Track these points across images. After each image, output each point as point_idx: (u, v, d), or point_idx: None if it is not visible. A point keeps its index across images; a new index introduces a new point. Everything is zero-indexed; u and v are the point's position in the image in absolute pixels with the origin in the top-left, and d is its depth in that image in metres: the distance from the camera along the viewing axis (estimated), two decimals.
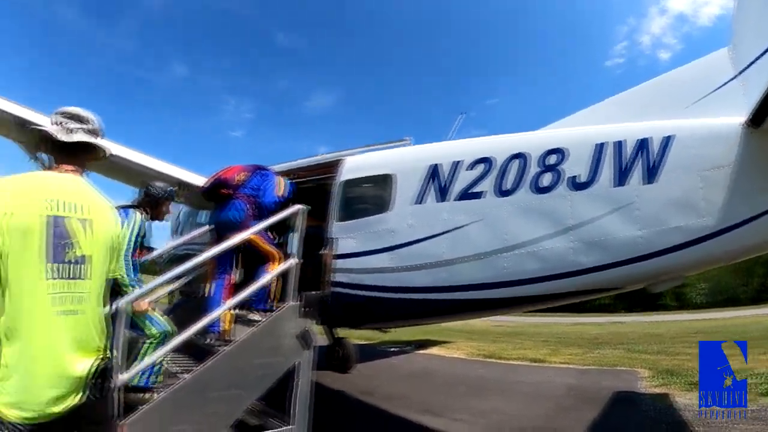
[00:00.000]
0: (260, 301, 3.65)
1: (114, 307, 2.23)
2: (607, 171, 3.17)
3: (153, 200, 3.26)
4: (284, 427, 3.32)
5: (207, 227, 4.33)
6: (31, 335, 1.44)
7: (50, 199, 1.53)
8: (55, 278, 1.48)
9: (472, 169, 3.57)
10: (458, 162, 3.63)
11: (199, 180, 4.62)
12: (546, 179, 3.37)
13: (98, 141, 1.81)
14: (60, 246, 1.51)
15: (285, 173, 4.48)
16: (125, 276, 2.74)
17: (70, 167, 1.72)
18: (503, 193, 3.49)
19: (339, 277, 3.80)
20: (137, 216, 3.01)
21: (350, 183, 4.07)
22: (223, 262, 3.64)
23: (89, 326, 1.57)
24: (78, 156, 1.76)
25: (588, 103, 4.20)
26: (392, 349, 11.01)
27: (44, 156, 4.88)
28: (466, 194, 3.53)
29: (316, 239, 3.98)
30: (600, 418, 5.14)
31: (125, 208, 3.06)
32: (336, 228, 3.96)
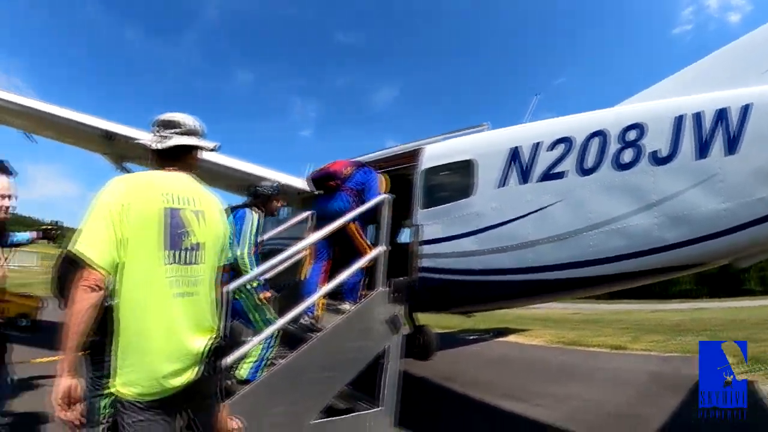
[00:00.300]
0: (350, 292, 3.83)
1: (225, 290, 2.43)
2: (687, 144, 3.08)
3: (264, 198, 3.55)
4: (373, 410, 3.45)
5: (289, 223, 4.68)
6: (150, 316, 1.57)
7: (166, 193, 1.67)
8: (172, 263, 1.62)
9: (552, 149, 3.55)
10: (538, 143, 3.62)
11: (291, 180, 5.02)
12: (627, 155, 3.29)
13: (192, 140, 1.85)
14: (177, 235, 1.64)
15: (346, 162, 4.52)
16: (247, 264, 3.03)
17: (173, 169, 1.82)
18: (585, 171, 3.44)
19: (425, 263, 3.92)
20: (254, 215, 3.30)
21: (432, 171, 4.17)
22: (321, 248, 3.90)
23: (203, 307, 1.70)
24: (179, 158, 1.85)
25: (659, 74, 4.08)
26: (471, 337, 11.06)
27: (129, 166, 5.56)
28: (548, 175, 3.51)
29: (393, 228, 4.13)
30: (682, 406, 4.92)
31: (239, 208, 3.37)
32: (420, 215, 4.08)
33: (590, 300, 22.80)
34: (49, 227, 4.22)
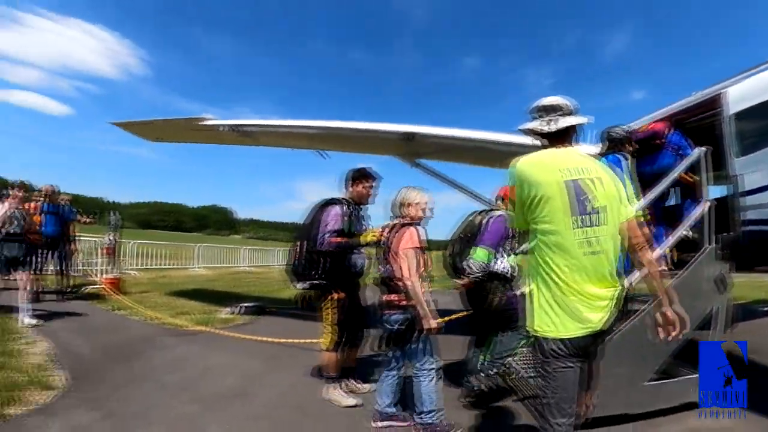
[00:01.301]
0: None
1: None
2: None
3: (617, 142, 3.84)
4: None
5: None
6: (567, 274, 1.90)
7: (561, 168, 1.95)
8: (579, 227, 1.89)
9: None
10: None
11: None
12: None
13: (575, 119, 2.08)
14: (581, 201, 1.90)
15: (662, 120, 4.64)
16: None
17: (562, 145, 2.09)
18: None
19: (750, 215, 3.65)
20: (626, 160, 3.67)
21: (743, 114, 3.79)
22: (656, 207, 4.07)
23: (606, 263, 1.93)
24: (564, 136, 2.10)
25: None
26: (765, 309, 9.82)
27: (422, 162, 6.40)
28: None
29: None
30: None
31: (607, 155, 3.69)
32: (737, 164, 3.79)
33: None
34: None
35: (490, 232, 3.45)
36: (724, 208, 3.83)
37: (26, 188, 6.81)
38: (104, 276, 9.29)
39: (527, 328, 2.09)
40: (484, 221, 3.57)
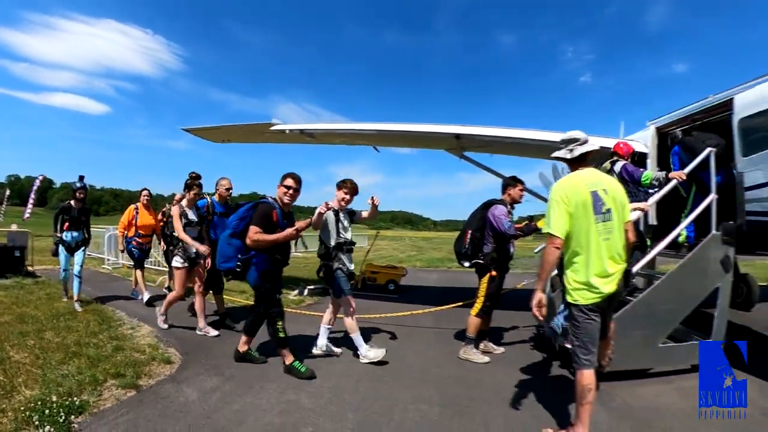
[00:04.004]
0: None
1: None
2: None
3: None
4: (704, 340, 4.14)
5: None
6: (591, 253, 2.74)
7: (587, 183, 2.80)
8: (599, 222, 2.73)
9: None
10: None
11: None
12: None
13: (587, 147, 2.94)
14: (598, 205, 2.75)
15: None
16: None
17: (581, 167, 2.95)
18: None
19: (752, 207, 4.36)
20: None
21: (748, 119, 4.44)
22: None
23: (615, 246, 2.79)
24: (583, 160, 2.97)
25: None
26: None
27: (469, 154, 7.56)
28: None
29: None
30: None
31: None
32: (743, 162, 4.48)
33: None
34: None
35: None
36: (728, 199, 4.49)
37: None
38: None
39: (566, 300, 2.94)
40: None
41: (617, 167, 4.96)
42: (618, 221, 2.81)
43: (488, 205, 4.75)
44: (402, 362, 4.58)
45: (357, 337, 4.53)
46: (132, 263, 7.97)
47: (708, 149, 4.40)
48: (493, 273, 4.62)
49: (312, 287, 8.75)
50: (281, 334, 4.11)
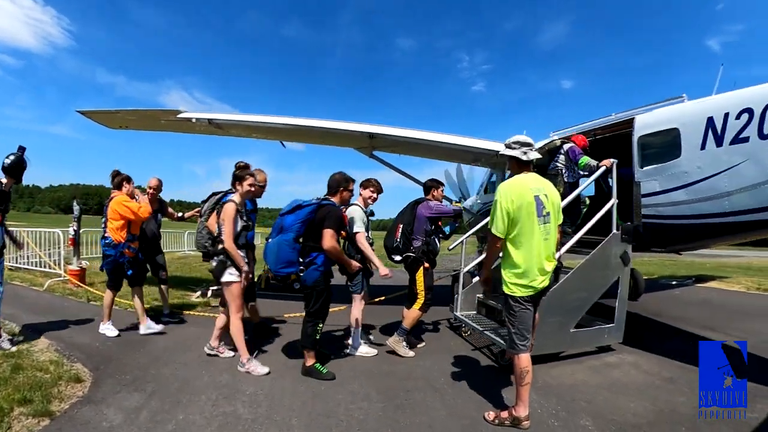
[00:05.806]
0: None
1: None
2: None
3: None
4: (609, 325, 4.86)
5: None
6: (532, 252, 3.06)
7: (531, 187, 3.09)
8: (540, 224, 3.06)
9: (738, 118, 4.41)
10: (727, 114, 4.48)
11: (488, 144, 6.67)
12: None
13: (536, 153, 3.22)
14: (540, 209, 3.06)
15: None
16: None
17: (527, 170, 3.22)
18: (764, 137, 4.27)
19: (646, 211, 5.12)
20: None
21: (645, 137, 5.21)
22: None
23: (551, 246, 3.16)
24: (529, 164, 3.23)
25: None
26: (673, 283, 12.05)
27: (378, 154, 7.74)
28: (737, 140, 4.41)
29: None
30: None
31: None
32: (640, 173, 5.22)
33: None
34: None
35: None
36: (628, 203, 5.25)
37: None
38: (69, 267, 8.73)
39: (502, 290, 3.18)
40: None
41: (566, 146, 5.81)
42: (554, 224, 3.15)
43: (418, 202, 5.06)
44: (328, 360, 4.57)
45: (358, 331, 4.79)
46: (110, 283, 5.33)
47: (613, 160, 5.16)
48: (426, 265, 4.85)
49: (215, 287, 7.84)
50: (317, 336, 4.15)
